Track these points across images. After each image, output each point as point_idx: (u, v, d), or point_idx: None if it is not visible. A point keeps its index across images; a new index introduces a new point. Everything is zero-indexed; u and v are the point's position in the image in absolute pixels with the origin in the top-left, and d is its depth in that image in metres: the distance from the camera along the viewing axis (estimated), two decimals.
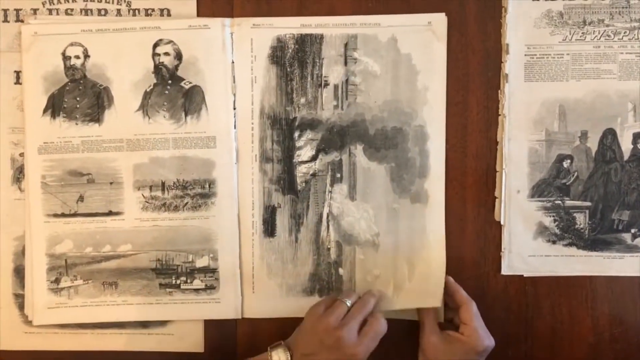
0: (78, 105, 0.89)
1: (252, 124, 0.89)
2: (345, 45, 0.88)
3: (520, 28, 0.87)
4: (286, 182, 0.89)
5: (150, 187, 0.89)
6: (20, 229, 0.89)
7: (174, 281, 0.90)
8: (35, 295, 0.89)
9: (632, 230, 0.88)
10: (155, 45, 0.88)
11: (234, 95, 0.88)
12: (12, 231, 0.90)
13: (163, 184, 0.89)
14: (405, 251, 0.88)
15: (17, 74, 0.88)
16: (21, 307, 0.90)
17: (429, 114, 0.88)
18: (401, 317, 0.88)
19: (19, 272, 0.90)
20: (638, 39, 0.86)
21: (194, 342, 0.90)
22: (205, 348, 0.90)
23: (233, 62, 0.88)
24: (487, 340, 0.81)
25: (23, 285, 0.90)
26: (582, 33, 0.87)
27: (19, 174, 0.89)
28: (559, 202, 0.88)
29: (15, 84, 0.89)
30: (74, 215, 0.89)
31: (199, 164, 0.89)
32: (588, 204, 0.88)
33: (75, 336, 0.90)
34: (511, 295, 0.89)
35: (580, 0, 0.87)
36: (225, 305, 0.90)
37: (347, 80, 0.88)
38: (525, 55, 0.87)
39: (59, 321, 0.90)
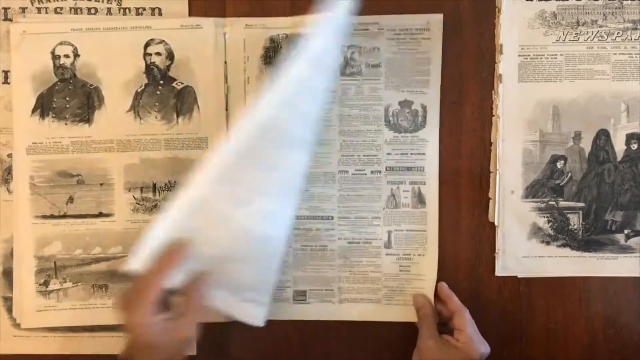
0: (67, 105, 0.88)
1: None
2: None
3: (514, 28, 0.87)
4: None
5: (141, 189, 0.88)
6: (9, 230, 0.88)
7: None
8: (24, 298, 0.88)
9: (626, 231, 0.88)
10: (147, 45, 0.87)
11: (227, 96, 0.87)
12: (1, 233, 0.88)
13: (154, 185, 0.88)
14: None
15: (6, 73, 0.87)
16: (10, 310, 0.88)
17: None
18: (393, 319, 0.88)
19: (8, 275, 0.88)
20: (631, 39, 0.86)
21: None
22: (198, 351, 0.89)
23: (226, 63, 0.87)
24: (483, 348, 0.81)
25: (12, 288, 0.88)
26: (576, 34, 0.87)
27: (7, 175, 0.88)
28: (553, 202, 0.88)
29: (3, 83, 0.87)
30: (64, 216, 0.88)
31: (190, 166, 0.87)
32: (582, 204, 0.88)
33: (65, 340, 0.89)
34: (505, 296, 0.89)
35: (573, 1, 0.86)
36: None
37: None
38: (519, 55, 0.87)
39: (48, 324, 0.89)
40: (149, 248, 0.71)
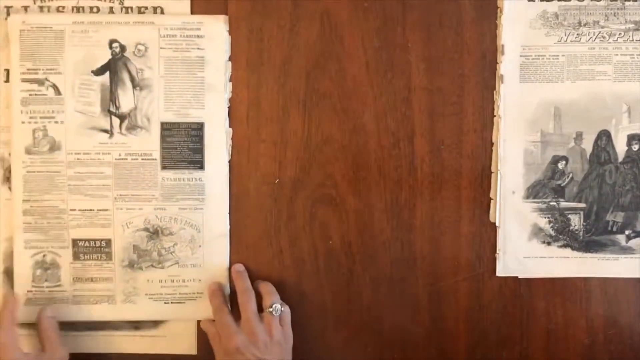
0: None
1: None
2: None
3: (516, 29, 0.87)
4: None
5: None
6: (10, 229, 0.87)
7: None
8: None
9: (627, 232, 0.88)
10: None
11: (230, 94, 0.87)
12: (2, 232, 0.88)
13: None
14: None
15: (8, 72, 0.86)
16: None
17: None
18: None
19: (9, 274, 0.88)
20: (633, 40, 0.86)
21: (187, 344, 0.89)
22: (199, 350, 0.89)
23: (230, 60, 0.87)
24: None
25: (13, 287, 0.88)
26: (577, 34, 0.87)
27: (8, 174, 0.87)
28: (554, 203, 0.88)
29: (5, 82, 0.87)
30: None
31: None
32: (583, 205, 0.88)
33: (65, 338, 0.87)
34: (506, 296, 0.89)
35: (575, 2, 0.86)
36: None
37: None
38: (520, 56, 0.87)
39: None
40: None
